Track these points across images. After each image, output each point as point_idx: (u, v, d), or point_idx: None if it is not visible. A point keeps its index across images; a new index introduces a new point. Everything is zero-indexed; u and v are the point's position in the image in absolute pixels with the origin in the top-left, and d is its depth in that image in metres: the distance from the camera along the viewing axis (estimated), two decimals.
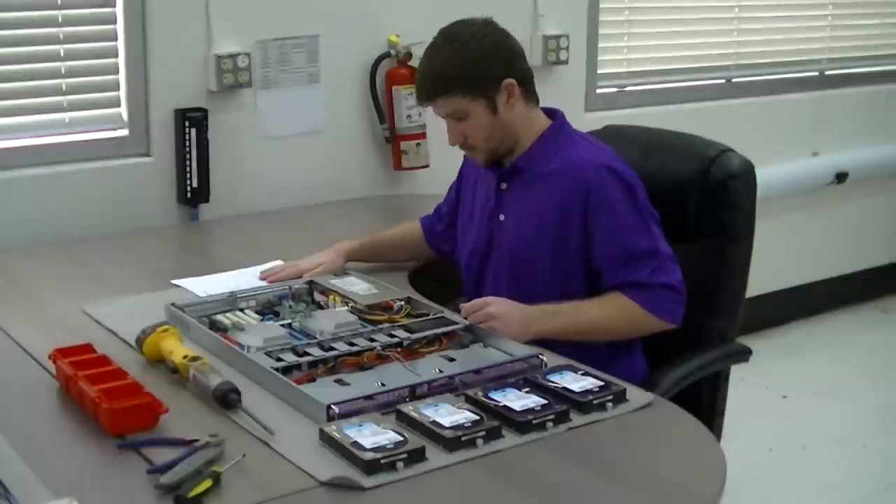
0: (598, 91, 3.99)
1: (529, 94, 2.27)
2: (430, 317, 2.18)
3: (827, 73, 4.66)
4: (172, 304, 2.22)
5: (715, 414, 2.38)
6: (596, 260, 2.20)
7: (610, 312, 2.17)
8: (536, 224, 2.24)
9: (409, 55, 3.38)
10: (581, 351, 2.07)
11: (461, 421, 1.72)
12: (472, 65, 2.19)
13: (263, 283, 2.40)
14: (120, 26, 3.03)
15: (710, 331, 2.31)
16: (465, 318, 2.14)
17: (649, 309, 2.16)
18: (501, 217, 2.31)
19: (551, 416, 1.76)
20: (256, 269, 2.55)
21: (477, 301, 2.17)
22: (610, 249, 2.18)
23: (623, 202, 2.18)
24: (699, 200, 2.37)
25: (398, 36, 3.39)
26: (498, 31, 2.27)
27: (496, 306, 2.14)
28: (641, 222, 2.19)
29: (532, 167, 2.26)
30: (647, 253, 2.17)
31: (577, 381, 1.88)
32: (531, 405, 1.79)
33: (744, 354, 2.39)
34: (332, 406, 1.75)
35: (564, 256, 2.22)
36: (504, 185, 2.30)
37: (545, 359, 1.98)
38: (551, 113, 2.32)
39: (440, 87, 2.21)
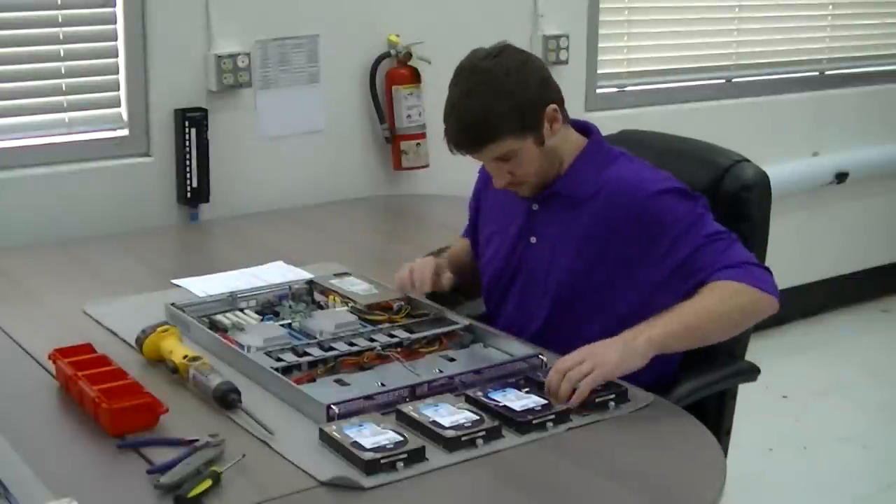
0: (598, 91, 3.99)
1: (565, 114, 2.12)
2: (430, 317, 2.18)
3: (827, 73, 4.66)
4: (172, 304, 2.22)
5: (721, 432, 2.31)
6: (672, 272, 2.02)
7: (717, 295, 1.95)
8: (578, 250, 2.10)
9: (409, 55, 3.38)
10: None
11: (461, 421, 1.72)
12: (517, 102, 2.01)
13: (263, 283, 2.39)
14: (120, 26, 3.03)
15: (716, 346, 2.18)
16: (555, 395, 1.84)
17: (749, 282, 1.96)
18: (532, 239, 2.17)
19: (551, 416, 1.76)
20: (256, 270, 2.55)
21: (555, 374, 1.85)
22: (683, 251, 2.02)
23: (679, 209, 2.05)
24: (712, 211, 2.30)
25: (398, 36, 3.40)
26: (525, 55, 2.09)
27: (583, 349, 1.88)
28: (701, 217, 2.05)
29: (571, 191, 2.12)
30: (719, 237, 2.03)
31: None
32: (531, 405, 1.79)
33: (751, 373, 2.31)
34: (332, 406, 1.75)
35: (608, 283, 2.07)
36: (536, 207, 2.16)
37: (545, 359, 1.98)
38: (584, 128, 2.18)
39: (488, 135, 2.01)
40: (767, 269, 2.05)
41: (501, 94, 2.01)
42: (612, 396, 1.83)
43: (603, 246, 2.08)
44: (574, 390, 1.81)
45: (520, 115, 2.02)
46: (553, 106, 2.07)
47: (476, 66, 2.06)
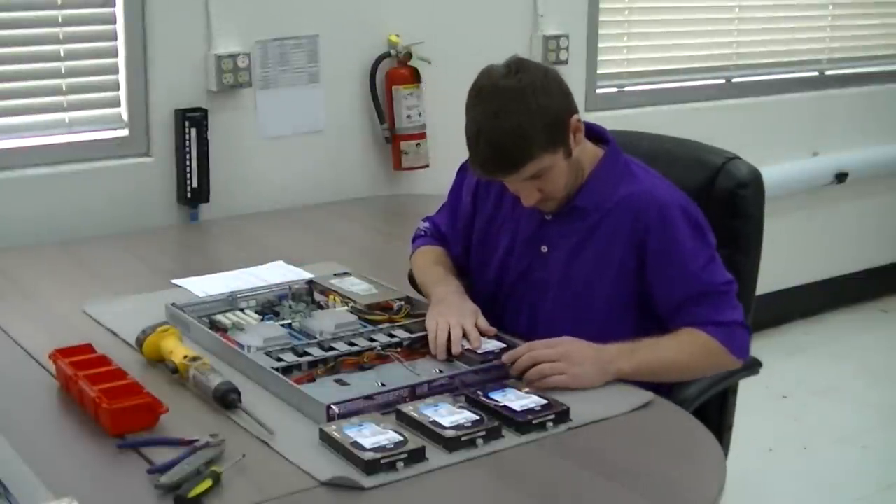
0: (598, 91, 3.99)
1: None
2: None
3: (827, 73, 4.66)
4: (172, 304, 2.22)
5: (723, 428, 2.32)
6: (664, 301, 2.07)
7: (690, 349, 2.02)
8: (594, 262, 2.10)
9: (409, 55, 3.38)
10: None
11: (461, 421, 1.73)
12: (547, 117, 1.97)
13: (263, 283, 2.39)
14: (120, 26, 3.03)
15: None
16: (511, 366, 1.93)
17: (727, 345, 2.03)
18: (544, 248, 2.15)
19: (551, 416, 1.77)
20: (256, 270, 2.55)
21: (527, 347, 1.95)
22: (683, 289, 2.04)
23: (693, 240, 2.06)
24: (706, 211, 2.23)
25: (398, 36, 3.40)
26: (544, 68, 2.07)
27: (562, 346, 1.94)
28: (711, 259, 2.08)
29: (589, 203, 2.10)
30: (719, 289, 2.06)
31: None
32: (531, 405, 1.79)
33: (754, 368, 2.31)
34: (332, 406, 1.75)
35: (622, 297, 2.10)
36: (549, 217, 2.14)
37: None
38: (599, 134, 2.17)
39: (525, 155, 1.96)
40: (748, 329, 2.10)
41: (532, 112, 1.96)
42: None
43: (620, 259, 2.08)
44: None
45: (551, 130, 1.99)
46: (576, 116, 2.05)
47: (498, 84, 2.00)
